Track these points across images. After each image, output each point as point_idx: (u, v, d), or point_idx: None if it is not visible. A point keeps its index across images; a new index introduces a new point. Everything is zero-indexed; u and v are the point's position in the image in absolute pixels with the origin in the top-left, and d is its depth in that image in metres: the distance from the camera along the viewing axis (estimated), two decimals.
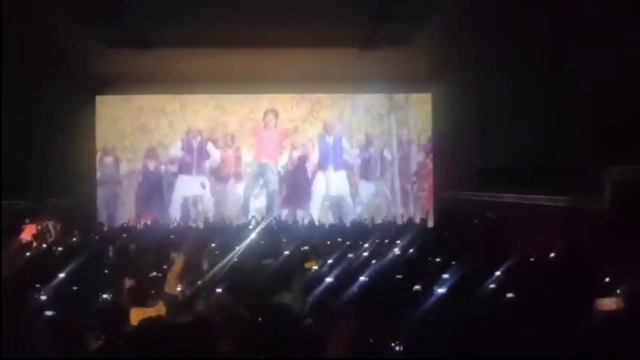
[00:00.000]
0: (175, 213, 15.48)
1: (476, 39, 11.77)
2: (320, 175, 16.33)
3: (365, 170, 16.45)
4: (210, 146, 16.15)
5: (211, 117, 16.30)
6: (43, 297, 5.48)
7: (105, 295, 5.83)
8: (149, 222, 14.69)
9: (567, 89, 8.97)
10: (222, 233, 11.52)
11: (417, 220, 14.70)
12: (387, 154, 16.46)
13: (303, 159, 16.31)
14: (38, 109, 12.28)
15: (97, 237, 11.34)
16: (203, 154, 16.16)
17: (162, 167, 16.18)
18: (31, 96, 12.00)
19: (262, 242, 10.33)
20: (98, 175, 15.99)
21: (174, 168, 16.14)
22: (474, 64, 12.69)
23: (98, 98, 16.01)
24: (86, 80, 14.96)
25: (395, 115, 16.53)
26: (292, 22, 11.46)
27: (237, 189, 16.22)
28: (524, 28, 10.19)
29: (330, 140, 16.35)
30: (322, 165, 16.32)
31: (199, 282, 6.14)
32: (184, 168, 16.13)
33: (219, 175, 16.17)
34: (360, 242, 9.65)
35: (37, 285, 5.99)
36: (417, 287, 5.57)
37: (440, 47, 13.11)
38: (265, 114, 16.24)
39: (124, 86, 15.58)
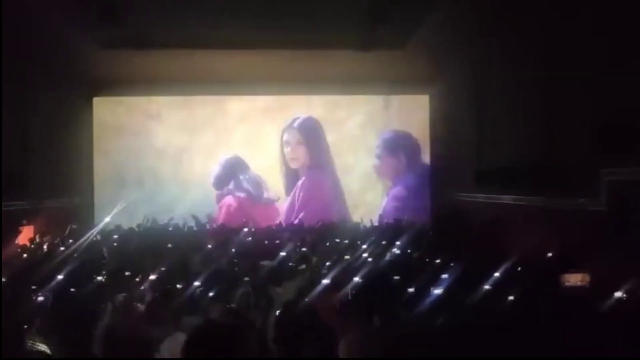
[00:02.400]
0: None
1: (473, 40, 11.80)
2: (324, 179, 16.44)
3: (362, 172, 16.49)
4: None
5: (208, 118, 16.33)
6: (41, 299, 5.44)
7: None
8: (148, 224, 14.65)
9: (564, 90, 8.99)
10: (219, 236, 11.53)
11: (416, 222, 14.69)
12: (385, 155, 16.49)
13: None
14: (35, 111, 12.26)
15: (95, 239, 11.30)
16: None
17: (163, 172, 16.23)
18: (28, 98, 11.98)
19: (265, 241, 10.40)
20: (96, 177, 15.98)
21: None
22: (472, 65, 12.72)
23: (95, 100, 16.01)
24: (83, 81, 14.97)
25: (390, 116, 16.56)
26: (289, 24, 11.48)
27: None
28: (520, 29, 10.21)
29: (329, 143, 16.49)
30: (326, 170, 16.47)
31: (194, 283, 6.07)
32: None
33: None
34: (359, 243, 9.68)
35: (34, 287, 5.98)
36: (410, 289, 5.56)
37: (438, 49, 13.13)
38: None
39: (122, 88, 15.59)
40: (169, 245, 9.78)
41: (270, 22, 11.27)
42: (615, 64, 7.51)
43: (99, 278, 6.65)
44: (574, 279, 4.87)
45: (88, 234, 10.92)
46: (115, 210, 13.95)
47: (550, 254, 7.62)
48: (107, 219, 13.66)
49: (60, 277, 6.40)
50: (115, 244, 10.58)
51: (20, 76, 11.59)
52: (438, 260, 7.47)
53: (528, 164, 9.80)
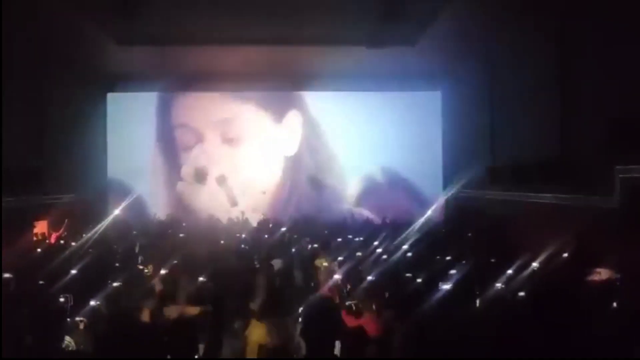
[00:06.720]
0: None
1: (485, 35, 11.73)
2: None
3: (375, 169, 16.50)
4: None
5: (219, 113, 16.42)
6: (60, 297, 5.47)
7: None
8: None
9: (578, 86, 8.93)
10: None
11: (427, 219, 14.65)
12: (398, 151, 16.46)
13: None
14: (50, 106, 12.36)
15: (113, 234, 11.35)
16: None
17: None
18: (43, 94, 12.08)
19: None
20: (109, 172, 16.09)
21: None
22: (484, 61, 12.65)
23: (109, 95, 16.10)
24: (98, 77, 15.05)
25: (404, 112, 16.50)
26: (300, 20, 11.46)
27: None
28: (533, 24, 10.15)
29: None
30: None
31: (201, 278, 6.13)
32: None
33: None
34: (371, 239, 9.67)
35: (49, 282, 6.03)
36: (419, 280, 5.56)
37: (450, 44, 13.06)
38: None
39: (136, 84, 15.67)
40: None
41: (282, 18, 11.27)
42: (630, 59, 7.44)
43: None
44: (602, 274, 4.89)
45: (97, 227, 11.05)
46: (124, 204, 14.13)
47: (563, 252, 7.57)
48: (116, 211, 13.82)
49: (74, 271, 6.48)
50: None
51: (36, 71, 11.69)
52: (448, 258, 7.47)
53: (541, 161, 9.75)
